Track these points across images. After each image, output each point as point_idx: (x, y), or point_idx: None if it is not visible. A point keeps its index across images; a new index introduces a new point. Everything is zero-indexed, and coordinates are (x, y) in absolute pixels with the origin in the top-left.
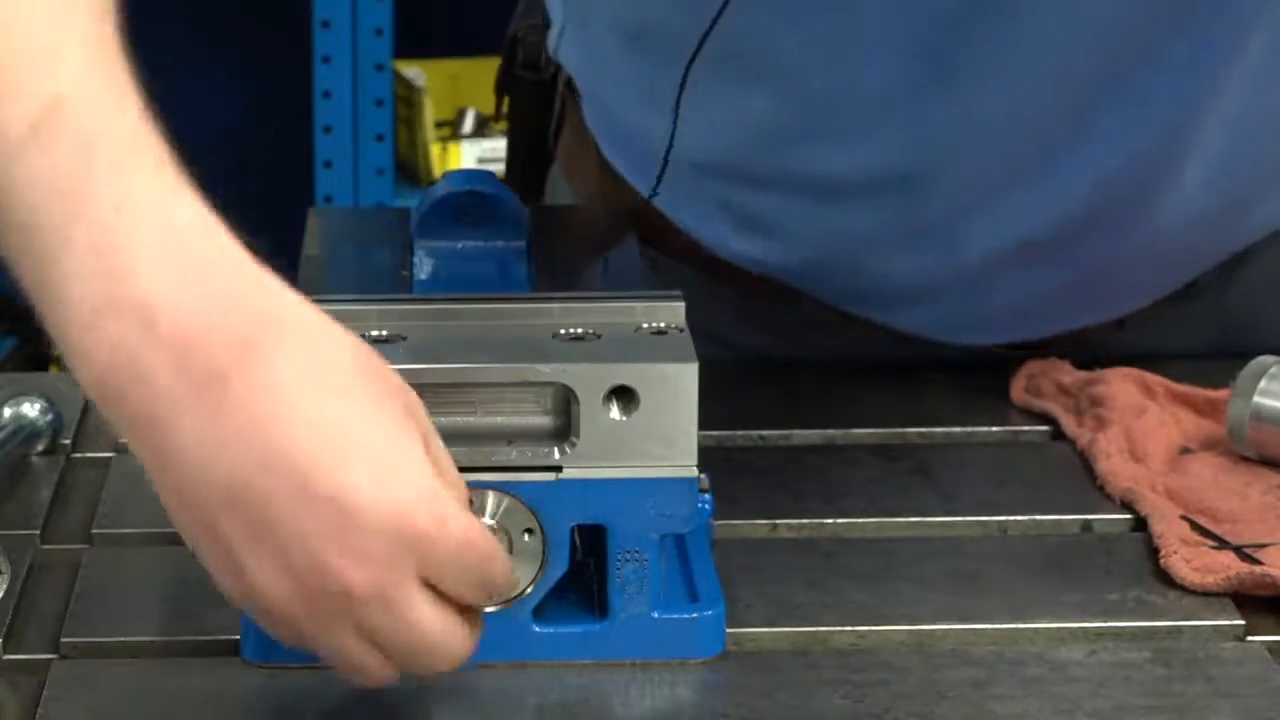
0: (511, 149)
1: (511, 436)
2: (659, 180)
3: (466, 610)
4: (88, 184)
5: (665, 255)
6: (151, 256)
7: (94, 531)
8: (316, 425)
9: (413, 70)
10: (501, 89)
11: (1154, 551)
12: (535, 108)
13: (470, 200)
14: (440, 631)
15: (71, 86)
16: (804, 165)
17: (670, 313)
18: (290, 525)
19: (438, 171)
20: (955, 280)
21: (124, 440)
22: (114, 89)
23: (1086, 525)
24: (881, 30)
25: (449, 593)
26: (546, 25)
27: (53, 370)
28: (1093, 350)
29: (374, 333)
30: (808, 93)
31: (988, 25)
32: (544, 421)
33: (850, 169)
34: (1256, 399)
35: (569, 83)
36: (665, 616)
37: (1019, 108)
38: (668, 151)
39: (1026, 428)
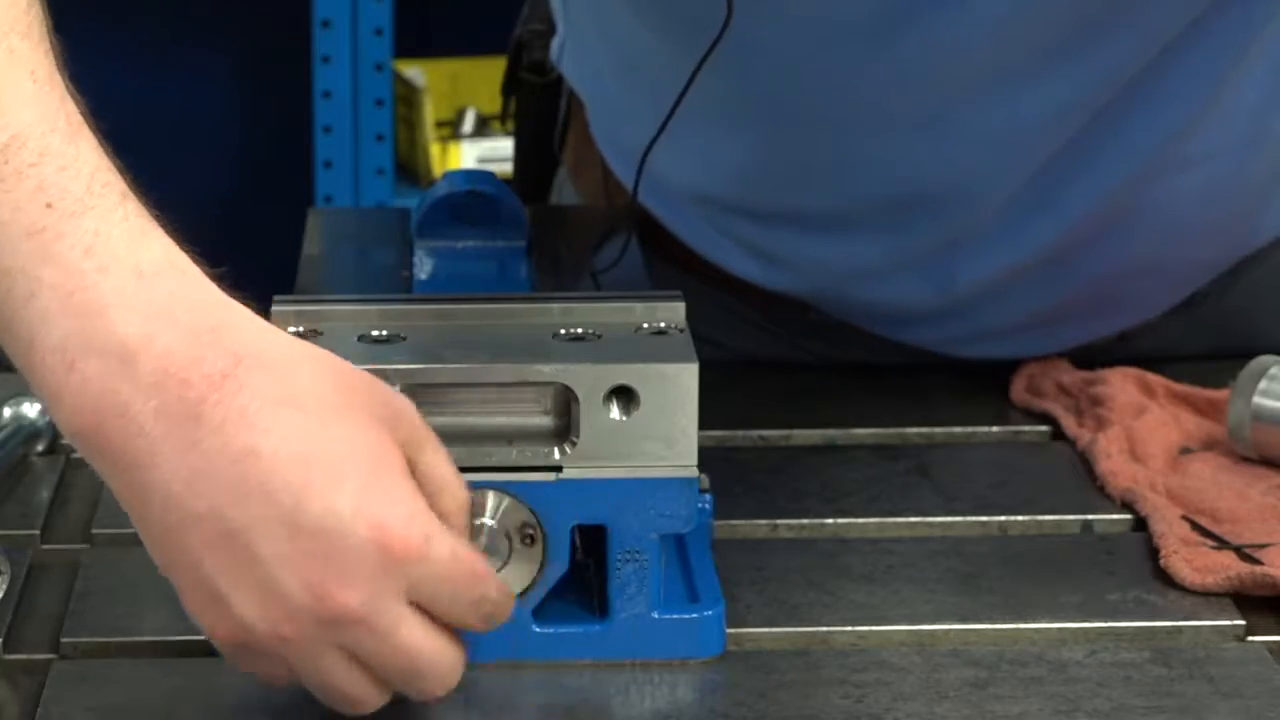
0: (519, 151)
1: (511, 436)
2: (635, 189)
3: (459, 634)
4: (55, 224)
5: (668, 264)
6: (124, 297)
7: (94, 531)
8: (294, 454)
9: (413, 70)
10: (508, 92)
11: (1154, 551)
12: (540, 111)
13: (470, 200)
14: (430, 652)
15: (28, 124)
16: (787, 202)
17: (670, 313)
18: (277, 554)
19: (438, 171)
20: (956, 303)
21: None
22: (68, 122)
23: (1086, 525)
24: (860, 94)
25: (443, 616)
26: (550, 29)
27: None
28: (1092, 355)
29: (374, 333)
30: (786, 143)
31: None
32: (544, 421)
33: (835, 205)
34: (1256, 399)
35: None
36: (665, 616)
37: (1011, 141)
38: (638, 173)
39: (1026, 428)
